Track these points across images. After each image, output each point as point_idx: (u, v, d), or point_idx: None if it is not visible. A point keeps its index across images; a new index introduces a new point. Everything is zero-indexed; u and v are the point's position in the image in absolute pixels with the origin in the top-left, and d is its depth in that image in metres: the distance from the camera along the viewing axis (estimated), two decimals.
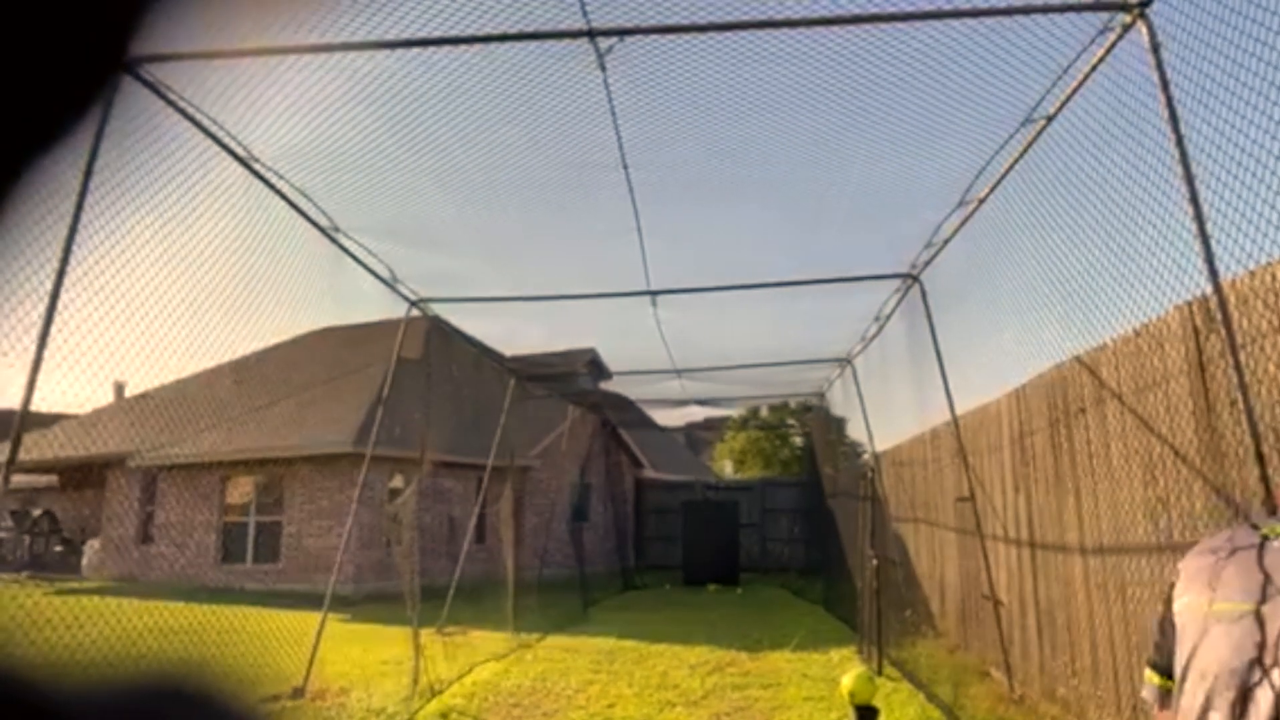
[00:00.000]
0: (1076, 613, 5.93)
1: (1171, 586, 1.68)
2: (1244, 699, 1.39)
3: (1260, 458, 3.42)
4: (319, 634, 7.64)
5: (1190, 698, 1.47)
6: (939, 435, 9.29)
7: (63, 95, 0.34)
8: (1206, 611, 1.50)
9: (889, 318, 8.89)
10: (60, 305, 4.16)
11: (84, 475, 19.17)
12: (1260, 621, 1.41)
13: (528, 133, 5.27)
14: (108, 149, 4.04)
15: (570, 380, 15.87)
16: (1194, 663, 1.48)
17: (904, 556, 10.89)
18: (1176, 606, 1.62)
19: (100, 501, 19.18)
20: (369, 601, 13.07)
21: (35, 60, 0.32)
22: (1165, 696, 1.65)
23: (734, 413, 28.42)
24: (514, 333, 10.23)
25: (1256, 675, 1.38)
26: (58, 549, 19.70)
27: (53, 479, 21.17)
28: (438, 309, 8.67)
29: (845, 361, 11.39)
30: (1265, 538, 1.53)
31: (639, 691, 7.74)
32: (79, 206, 4.05)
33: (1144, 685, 1.75)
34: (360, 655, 9.11)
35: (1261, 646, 1.38)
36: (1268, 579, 1.44)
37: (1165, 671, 1.64)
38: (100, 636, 7.39)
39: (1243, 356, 3.63)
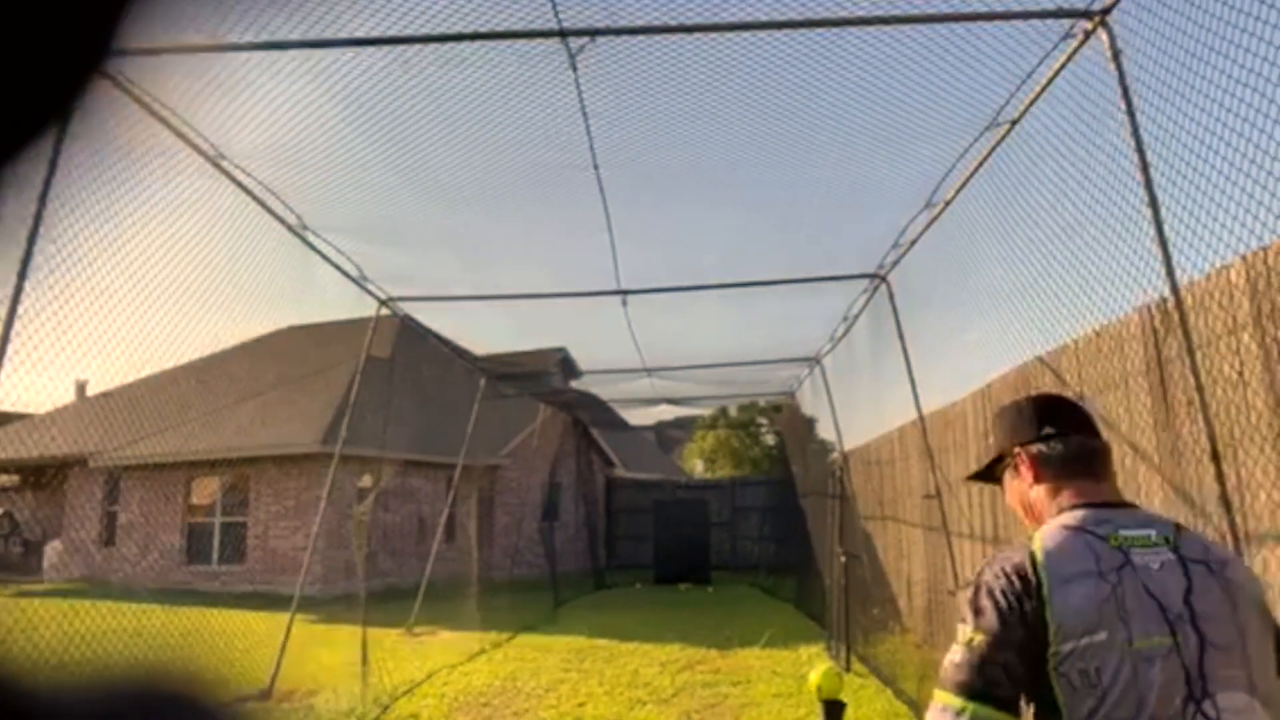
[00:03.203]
0: None
1: (1015, 610, 1.43)
2: None
3: (1216, 456, 3.51)
4: (286, 635, 7.57)
5: None
6: (906, 434, 9.40)
7: (40, 101, 0.34)
8: (1127, 650, 1.37)
9: (857, 317, 8.97)
10: (21, 302, 4.09)
11: (45, 475, 18.82)
12: (1179, 651, 1.37)
13: (499, 132, 5.25)
14: (70, 144, 3.98)
15: (541, 379, 15.84)
16: (1141, 711, 1.34)
17: (872, 554, 11.00)
18: (1069, 646, 1.38)
19: (62, 502, 18.84)
20: (337, 603, 12.96)
21: (14, 65, 0.33)
22: None
23: (704, 412, 28.52)
24: (484, 332, 10.19)
25: (1190, 709, 1.35)
26: (18, 550, 19.31)
27: (13, 479, 20.75)
28: (407, 308, 8.62)
29: (814, 361, 11.48)
30: (1125, 551, 1.45)
31: (610, 690, 7.75)
32: (41, 203, 3.98)
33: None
34: (328, 657, 9.03)
35: (1189, 680, 1.36)
36: (1162, 605, 1.40)
37: (1005, 705, 1.39)
38: (60, 639, 7.27)
39: (1199, 357, 3.72)
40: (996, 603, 1.44)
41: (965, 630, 1.46)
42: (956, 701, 1.41)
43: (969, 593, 1.50)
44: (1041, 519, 1.60)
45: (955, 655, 1.45)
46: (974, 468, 1.88)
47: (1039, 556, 1.45)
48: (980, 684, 1.40)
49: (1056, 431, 1.65)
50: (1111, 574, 1.42)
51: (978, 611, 1.46)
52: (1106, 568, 1.42)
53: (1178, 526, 1.53)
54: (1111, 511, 1.54)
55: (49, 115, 0.35)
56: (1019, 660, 1.40)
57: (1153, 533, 1.49)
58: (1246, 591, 1.46)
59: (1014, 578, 1.45)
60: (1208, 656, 1.37)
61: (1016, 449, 1.69)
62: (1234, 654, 1.39)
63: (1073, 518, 1.52)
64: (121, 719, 0.37)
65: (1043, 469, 1.64)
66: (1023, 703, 1.44)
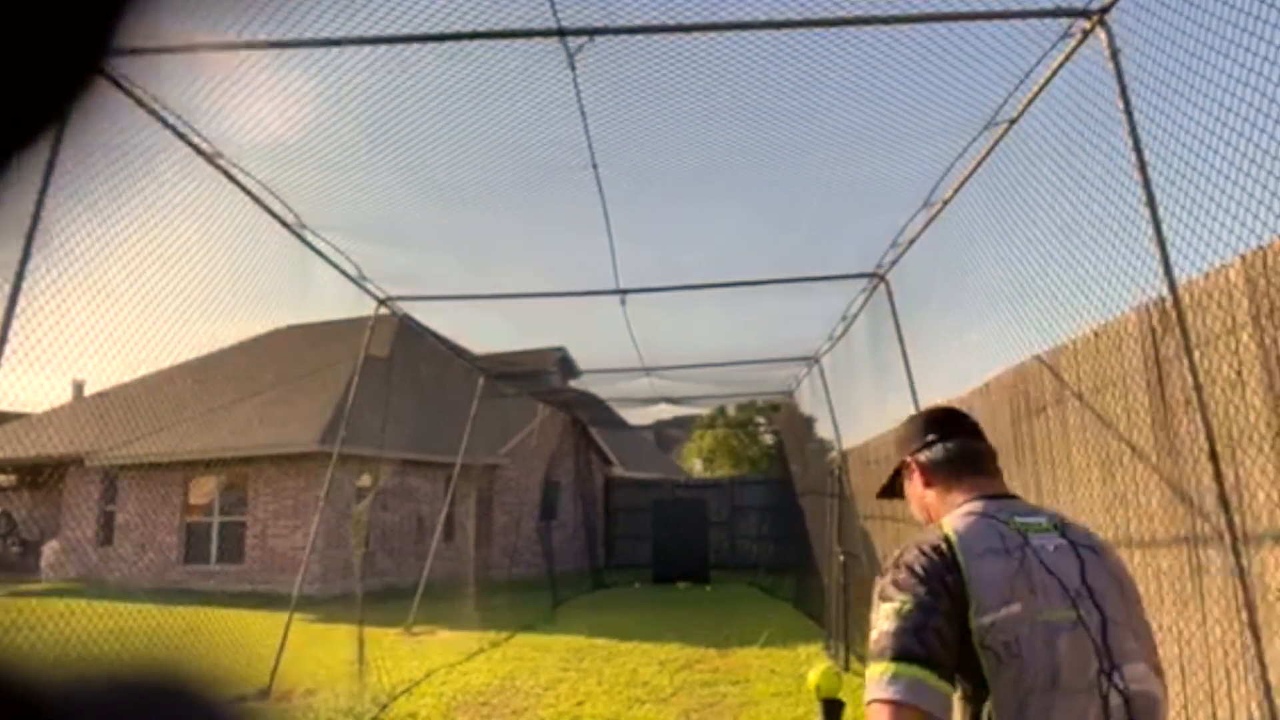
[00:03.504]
0: None
1: (939, 583, 1.47)
2: (1103, 706, 1.42)
3: (1214, 455, 3.51)
4: (284, 634, 7.57)
5: (1066, 713, 1.41)
6: None
7: (39, 103, 0.34)
8: (1042, 622, 1.44)
9: (855, 317, 8.98)
10: (19, 302, 4.09)
11: (42, 475, 18.80)
12: (1085, 625, 1.46)
13: (498, 131, 5.25)
14: (65, 142, 3.97)
15: (540, 378, 15.83)
16: (1058, 680, 1.41)
17: (871, 553, 11.01)
18: (989, 618, 1.43)
19: (59, 501, 18.82)
20: (335, 602, 12.95)
21: (14, 65, 0.33)
22: (942, 700, 1.41)
23: (703, 411, 28.52)
24: (483, 331, 10.18)
25: (1101, 681, 1.42)
26: (15, 550, 19.29)
27: (10, 478, 20.73)
28: (406, 307, 8.61)
29: (813, 360, 11.49)
30: (1024, 535, 1.55)
31: (608, 689, 7.75)
32: (39, 203, 3.98)
33: (919, 688, 1.39)
34: (327, 656, 9.02)
35: (1099, 651, 1.44)
36: (1062, 583, 1.49)
37: (943, 670, 1.41)
38: (57, 638, 7.26)
39: (1198, 356, 3.73)
40: (921, 575, 1.48)
41: (893, 603, 1.47)
42: (892, 666, 1.40)
43: (889, 575, 1.53)
44: (939, 519, 1.67)
45: (888, 625, 1.45)
46: None
47: (951, 536, 1.53)
48: (919, 648, 1.41)
49: (940, 437, 1.78)
50: (1016, 551, 1.51)
51: (903, 585, 1.48)
52: (1011, 546, 1.51)
53: (1062, 517, 1.66)
54: (1004, 501, 1.66)
55: (50, 116, 0.34)
56: (949, 626, 1.43)
57: (1043, 520, 1.61)
58: (1126, 573, 1.58)
59: (933, 554, 1.51)
60: (1110, 631, 1.46)
61: (908, 458, 1.82)
62: (1128, 629, 1.49)
63: (973, 507, 1.62)
64: (120, 717, 0.37)
65: (932, 473, 1.77)
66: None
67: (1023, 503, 1.71)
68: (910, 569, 1.50)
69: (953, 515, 1.62)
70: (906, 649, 1.41)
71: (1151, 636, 1.55)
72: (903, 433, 1.87)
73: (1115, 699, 1.42)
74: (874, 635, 1.47)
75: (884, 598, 1.50)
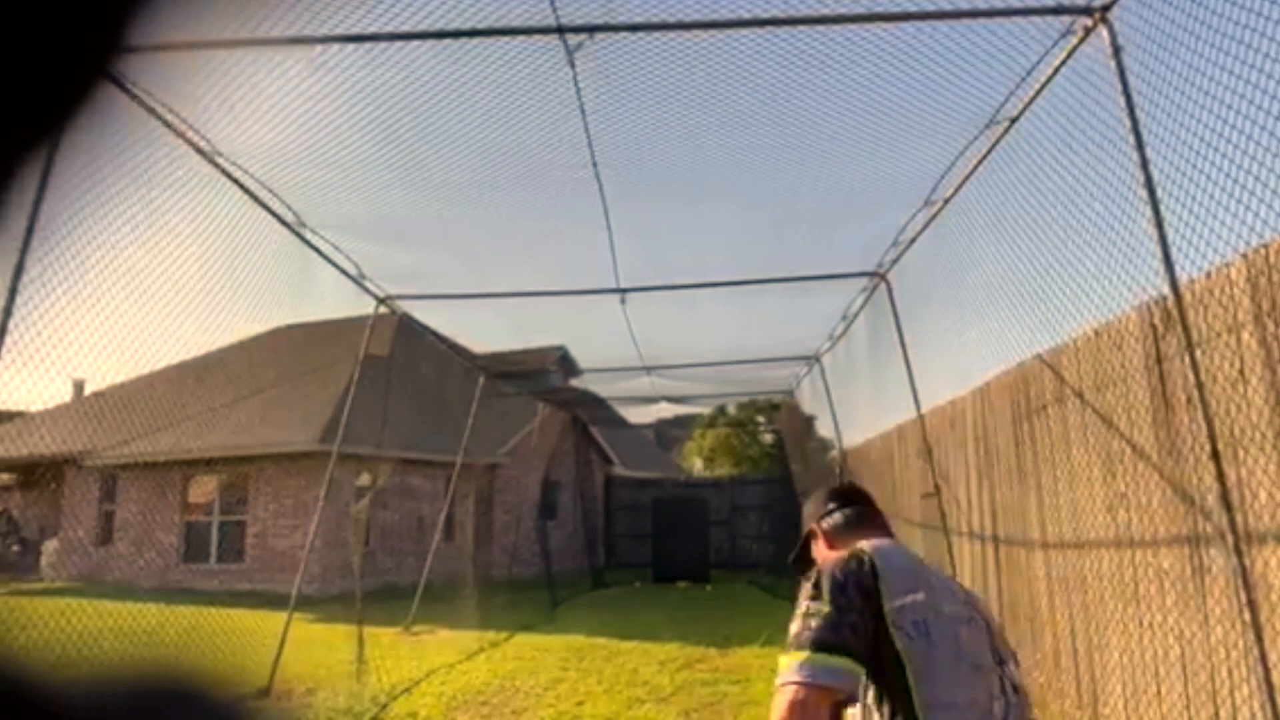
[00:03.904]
0: (1038, 605, 6.03)
1: (855, 582, 1.72)
2: (1001, 684, 1.72)
3: (1215, 454, 3.50)
4: (284, 634, 7.56)
5: (973, 688, 1.68)
6: (905, 432, 9.40)
7: (44, 107, 0.34)
8: (940, 613, 1.71)
9: (856, 316, 8.97)
10: (17, 301, 4.08)
11: (42, 474, 18.78)
12: (976, 623, 1.77)
13: (497, 130, 5.24)
14: (65, 142, 3.95)
15: (540, 377, 15.82)
16: (964, 655, 1.69)
17: None
18: (900, 602, 1.69)
19: (58, 501, 18.81)
20: (335, 602, 12.95)
21: (23, 68, 0.32)
22: (849, 678, 1.62)
23: (704, 410, 28.51)
24: (483, 330, 10.17)
25: (998, 668, 1.74)
26: (15, 549, 19.28)
27: (10, 478, 20.72)
28: (406, 306, 8.60)
29: (813, 359, 11.48)
30: (919, 559, 1.92)
31: (609, 689, 7.75)
32: (38, 201, 3.97)
33: (821, 669, 1.60)
34: (326, 655, 9.01)
35: (992, 647, 1.76)
36: (953, 591, 1.83)
37: (852, 655, 1.62)
38: (57, 637, 7.25)
39: (1199, 355, 3.72)
40: (840, 581, 1.73)
41: (812, 607, 1.69)
42: (801, 655, 1.62)
43: (813, 581, 1.76)
44: None
45: (803, 624, 1.67)
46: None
47: (864, 548, 1.82)
48: (828, 637, 1.63)
49: (839, 506, 2.15)
50: (915, 562, 1.87)
51: (824, 590, 1.71)
52: (913, 560, 1.87)
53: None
54: (897, 543, 1.97)
55: (56, 121, 0.34)
56: (862, 620, 1.67)
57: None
58: (992, 614, 1.91)
59: (850, 562, 1.78)
60: (994, 636, 1.80)
61: (814, 526, 2.16)
62: (1002, 639, 1.84)
63: (878, 540, 1.92)
64: (120, 717, 0.37)
65: (833, 535, 2.09)
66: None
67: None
68: (832, 576, 1.74)
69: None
70: (818, 640, 1.63)
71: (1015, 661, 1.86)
72: (811, 508, 2.22)
73: (1007, 684, 1.74)
74: (796, 631, 1.68)
75: (809, 599, 1.72)
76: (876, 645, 1.66)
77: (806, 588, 1.75)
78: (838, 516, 2.12)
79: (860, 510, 2.13)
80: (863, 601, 1.69)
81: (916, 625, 1.67)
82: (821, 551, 2.10)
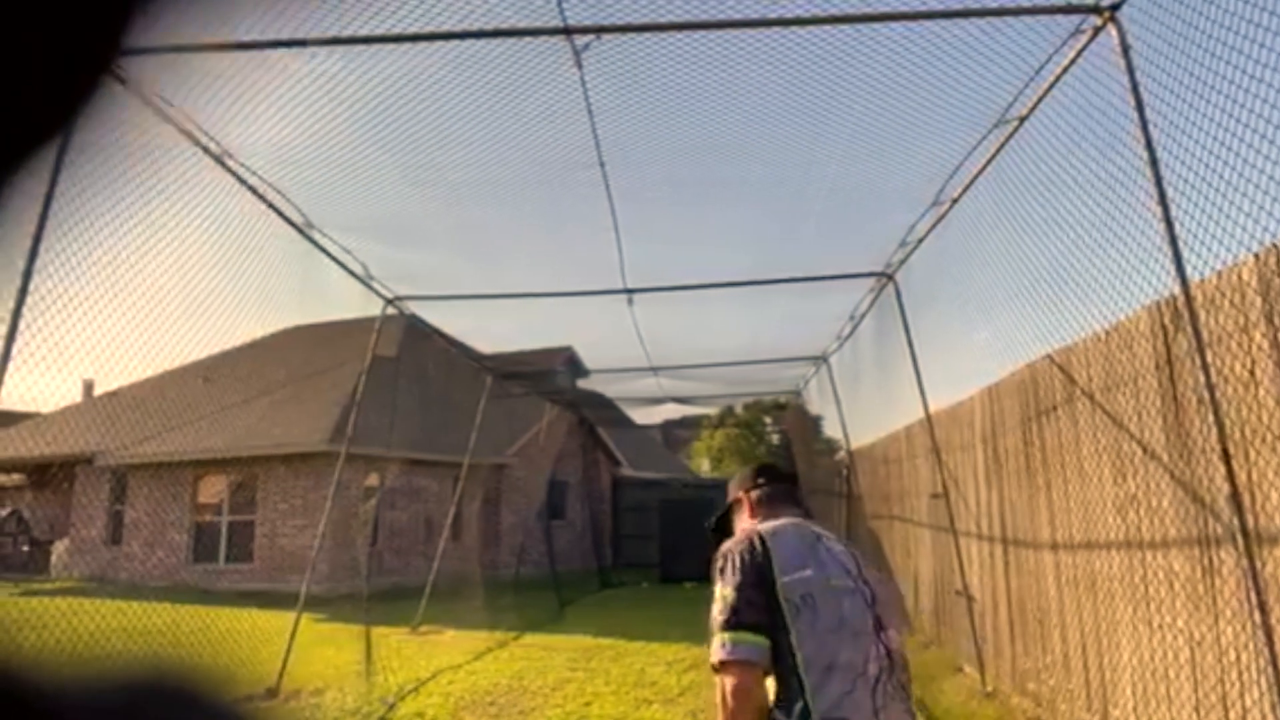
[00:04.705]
0: (1048, 608, 6.01)
1: (749, 563, 2.01)
2: (878, 650, 1.97)
3: (1226, 455, 3.48)
4: (293, 634, 7.58)
5: (851, 651, 1.93)
6: (913, 433, 9.37)
7: (48, 102, 0.34)
8: (827, 585, 1.99)
9: (864, 316, 8.95)
10: (28, 302, 4.10)
11: (53, 474, 18.87)
12: (862, 595, 2.03)
13: (504, 131, 5.25)
14: (74, 143, 3.98)
15: (547, 378, 15.82)
16: (845, 623, 1.95)
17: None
18: (788, 578, 1.97)
19: (69, 501, 18.90)
20: (343, 601, 12.98)
21: (23, 65, 0.32)
22: (763, 651, 1.93)
23: (710, 411, 28.49)
24: (491, 331, 10.18)
25: (876, 635, 1.99)
26: (25, 549, 19.38)
27: (21, 478, 20.83)
28: (413, 307, 8.62)
29: (821, 359, 11.46)
30: (817, 534, 2.15)
31: (616, 689, 7.74)
32: (47, 203, 3.99)
33: (740, 645, 1.92)
34: (334, 655, 9.04)
35: (874, 616, 2.01)
36: (845, 566, 2.07)
37: (762, 631, 1.93)
38: (68, 637, 7.29)
39: (1210, 355, 3.70)
40: (736, 563, 2.03)
41: (720, 589, 2.02)
42: (722, 636, 1.95)
43: (717, 566, 2.08)
44: None
45: (717, 606, 2.00)
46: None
47: (761, 530, 2.12)
48: (738, 617, 1.95)
49: (766, 481, 2.40)
50: (809, 540, 2.11)
51: (725, 576, 2.03)
52: (806, 538, 2.12)
53: (852, 545, 2.25)
54: (807, 524, 2.23)
55: (60, 120, 0.34)
56: (757, 594, 1.97)
57: (833, 535, 2.22)
58: (887, 578, 2.27)
59: (745, 543, 2.07)
60: (878, 605, 2.05)
61: (741, 494, 2.40)
62: (889, 607, 2.10)
63: (782, 522, 2.20)
64: (128, 716, 0.37)
65: (758, 506, 2.34)
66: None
67: (823, 527, 2.27)
68: (730, 559, 2.05)
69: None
70: (731, 621, 1.95)
71: (903, 621, 2.18)
72: (739, 478, 2.47)
73: (883, 649, 1.99)
74: (713, 614, 1.99)
75: (717, 584, 2.04)
76: (770, 615, 1.95)
77: (715, 572, 2.07)
78: (764, 490, 2.36)
79: (784, 488, 2.39)
80: (756, 578, 1.98)
81: (804, 598, 1.95)
82: (745, 519, 2.35)
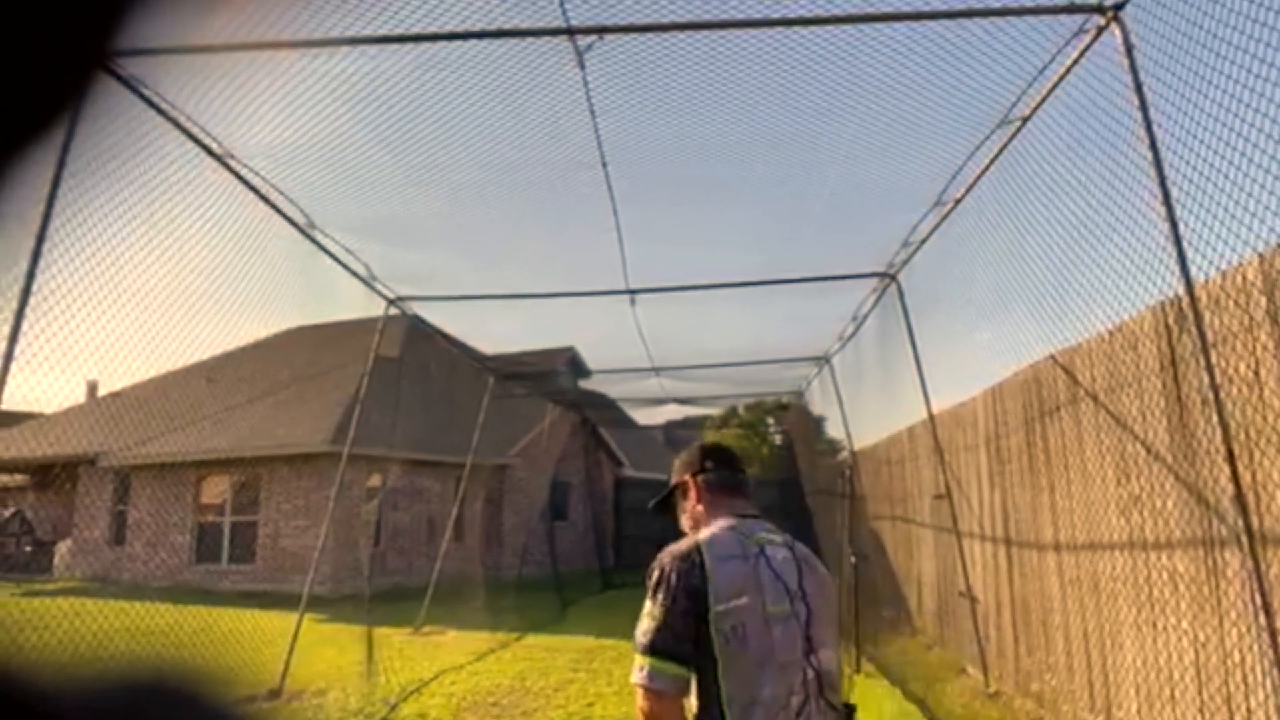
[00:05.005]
0: (1051, 609, 6.00)
1: (685, 586, 1.92)
2: (803, 677, 1.92)
3: (1231, 456, 3.47)
4: (295, 635, 7.58)
5: (775, 685, 1.88)
6: (916, 433, 9.36)
7: (41, 95, 0.33)
8: (764, 613, 1.91)
9: (866, 317, 8.94)
10: (31, 302, 4.10)
11: (56, 475, 18.90)
12: (797, 618, 1.95)
13: (507, 131, 5.24)
14: (78, 145, 3.98)
15: (550, 379, 15.81)
16: (772, 656, 1.89)
17: (881, 554, 10.96)
18: (723, 607, 1.89)
19: (72, 501, 18.93)
20: (346, 602, 12.98)
21: (13, 57, 0.32)
22: (678, 682, 1.88)
23: (713, 411, 28.46)
24: (493, 331, 10.18)
25: (805, 660, 1.93)
26: (28, 549, 19.41)
27: (24, 479, 20.86)
28: (416, 307, 8.62)
29: (823, 360, 11.45)
30: (760, 546, 2.03)
31: (619, 690, 7.73)
32: (49, 203, 3.99)
33: (656, 675, 1.87)
34: (337, 656, 9.04)
35: (805, 638, 1.95)
36: (785, 585, 1.98)
37: (682, 661, 1.88)
38: (71, 637, 7.29)
39: (1214, 356, 3.68)
40: (671, 583, 1.93)
41: (649, 606, 1.94)
42: (641, 659, 1.89)
43: (653, 577, 1.98)
44: (702, 529, 2.13)
45: (643, 625, 1.93)
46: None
47: (702, 544, 2.00)
48: (658, 643, 1.89)
49: (714, 465, 2.27)
50: (751, 559, 1.99)
51: (658, 591, 1.94)
52: (749, 554, 1.99)
53: (791, 538, 2.14)
54: (752, 521, 2.14)
55: (54, 112, 0.34)
56: (684, 623, 1.89)
57: (777, 537, 2.11)
58: (826, 582, 2.10)
59: (684, 561, 1.97)
60: (813, 623, 1.98)
61: (687, 478, 2.27)
62: (824, 622, 2.01)
63: (727, 522, 2.10)
64: (131, 717, 0.37)
65: (705, 491, 2.23)
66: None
67: (765, 522, 2.17)
68: (666, 576, 1.95)
69: (710, 527, 2.09)
70: (651, 646, 1.89)
71: (837, 628, 2.09)
72: (686, 459, 2.34)
73: (811, 673, 1.94)
74: (637, 632, 1.93)
75: (649, 596, 1.96)
76: (697, 642, 1.90)
77: (649, 582, 1.98)
78: (712, 475, 2.25)
79: (731, 476, 2.27)
80: (688, 603, 1.91)
81: (734, 629, 1.89)
82: (690, 503, 2.25)
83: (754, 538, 2.05)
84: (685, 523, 2.27)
